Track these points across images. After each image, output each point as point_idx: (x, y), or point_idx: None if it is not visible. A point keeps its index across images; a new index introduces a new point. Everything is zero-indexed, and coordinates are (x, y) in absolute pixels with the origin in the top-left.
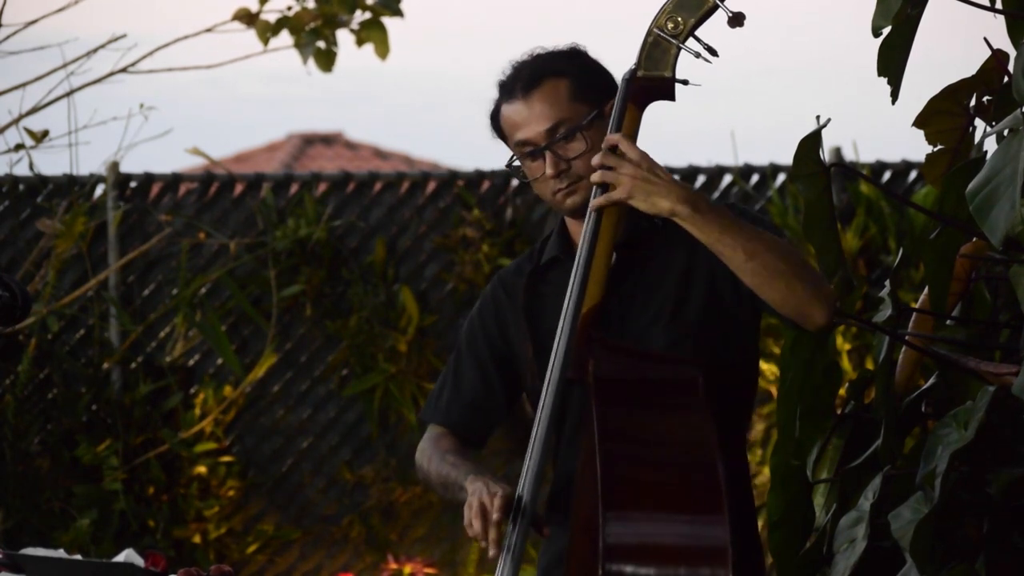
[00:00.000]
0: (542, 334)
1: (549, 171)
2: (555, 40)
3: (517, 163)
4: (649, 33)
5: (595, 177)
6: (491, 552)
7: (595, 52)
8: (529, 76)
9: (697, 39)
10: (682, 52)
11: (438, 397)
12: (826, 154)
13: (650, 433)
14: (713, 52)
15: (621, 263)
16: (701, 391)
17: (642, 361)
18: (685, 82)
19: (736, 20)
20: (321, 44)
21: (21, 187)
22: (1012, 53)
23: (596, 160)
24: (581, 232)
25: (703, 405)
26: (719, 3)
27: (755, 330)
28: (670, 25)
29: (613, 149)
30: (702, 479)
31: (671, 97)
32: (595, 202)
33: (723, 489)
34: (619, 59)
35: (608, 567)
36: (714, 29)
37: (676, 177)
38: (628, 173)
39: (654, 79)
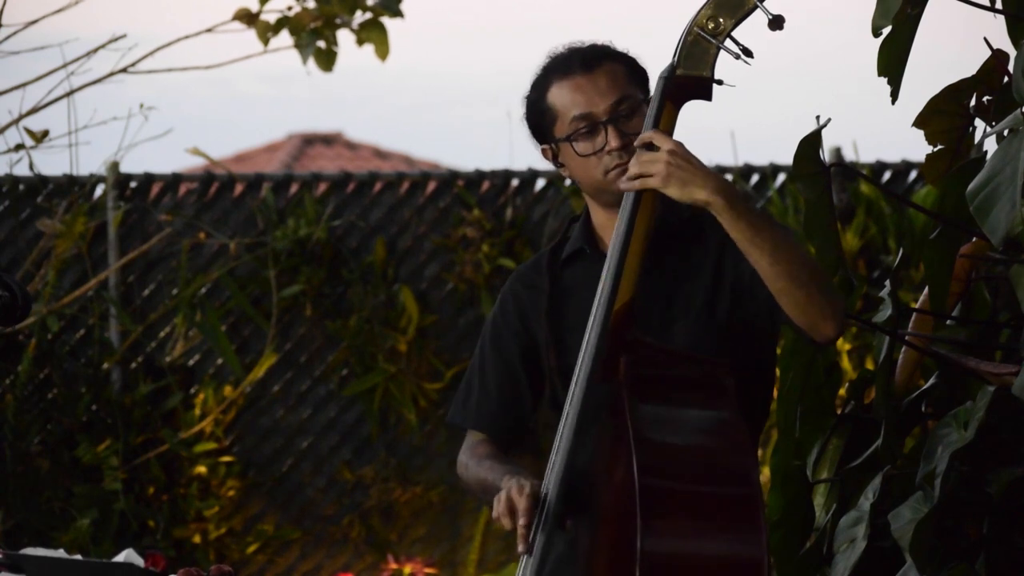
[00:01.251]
0: (564, 329)
1: (614, 143)
2: (555, 41)
3: (566, 140)
4: (689, 32)
5: (632, 168)
6: (519, 547)
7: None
8: (589, 55)
9: (735, 40)
10: (721, 52)
11: (466, 400)
12: (826, 154)
13: (685, 438)
14: (750, 54)
15: (647, 258)
16: (733, 395)
17: (675, 361)
18: (721, 82)
19: (776, 23)
20: (321, 44)
21: (21, 187)
22: (1012, 53)
23: (637, 148)
24: (609, 224)
25: (736, 409)
26: (759, 4)
27: (773, 335)
28: (711, 25)
29: (648, 146)
30: (739, 491)
31: (708, 97)
32: (630, 184)
33: (760, 501)
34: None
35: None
36: (746, 30)
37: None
38: (664, 160)
39: (693, 78)
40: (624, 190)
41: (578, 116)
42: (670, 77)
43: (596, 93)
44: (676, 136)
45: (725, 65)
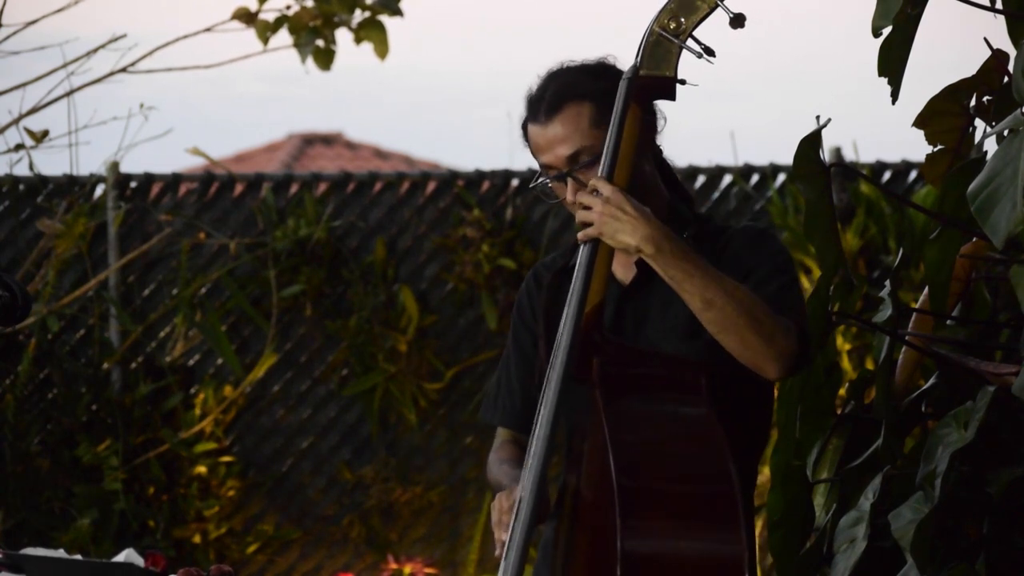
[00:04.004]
0: (557, 329)
1: (569, 197)
2: (555, 41)
3: (544, 180)
4: (651, 32)
5: (578, 216)
6: (496, 552)
7: (626, 62)
8: (552, 99)
9: (696, 40)
10: (683, 52)
11: (496, 395)
12: (826, 154)
13: (661, 436)
14: (711, 53)
15: (641, 273)
16: (706, 393)
17: (646, 361)
18: (684, 82)
19: (737, 21)
20: (320, 43)
21: (21, 187)
22: (1012, 53)
23: (578, 197)
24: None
25: (710, 407)
26: (719, 3)
27: None
28: (672, 24)
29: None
30: (717, 488)
31: (672, 96)
32: (580, 235)
33: (739, 498)
34: (630, 61)
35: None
36: (715, 29)
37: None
38: (598, 210)
39: (656, 78)
40: (580, 240)
41: (543, 164)
42: (633, 78)
43: (554, 145)
44: (668, 135)
45: (728, 63)
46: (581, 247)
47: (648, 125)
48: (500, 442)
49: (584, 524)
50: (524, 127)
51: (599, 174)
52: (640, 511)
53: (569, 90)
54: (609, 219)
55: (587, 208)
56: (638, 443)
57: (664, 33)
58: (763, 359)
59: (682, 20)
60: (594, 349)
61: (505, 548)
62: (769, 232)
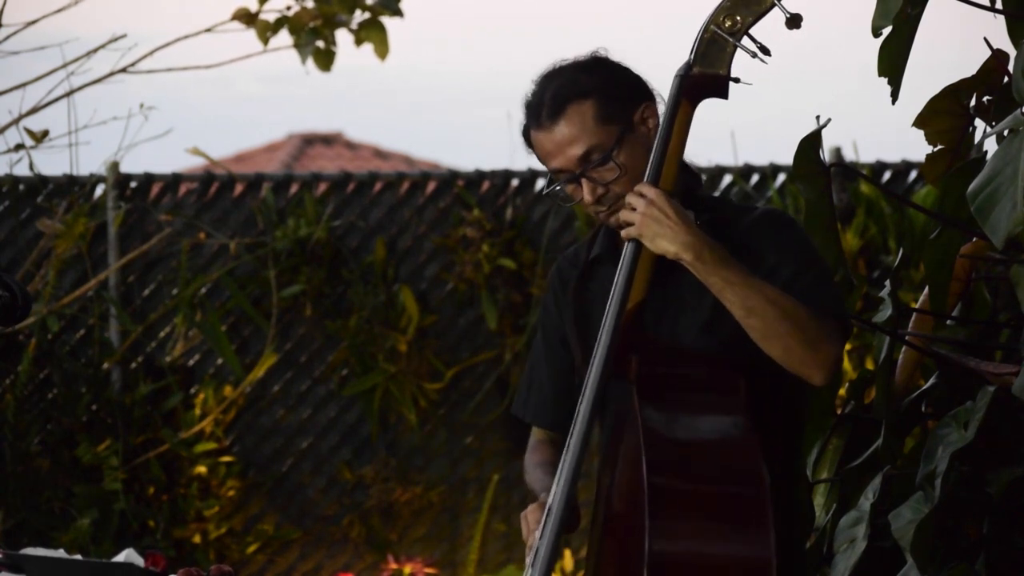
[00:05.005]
0: (590, 333)
1: (587, 198)
2: (555, 41)
3: (557, 186)
4: (705, 30)
5: (621, 215)
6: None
7: (618, 53)
8: (552, 102)
9: (752, 38)
10: (738, 51)
11: (527, 392)
12: (826, 154)
13: (695, 437)
14: (767, 52)
15: (665, 263)
16: (743, 395)
17: (686, 361)
18: (738, 80)
19: (793, 21)
20: (320, 44)
21: (21, 187)
22: (1012, 53)
23: (627, 198)
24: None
25: (745, 409)
26: (776, 2)
27: None
28: (727, 23)
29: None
30: (748, 491)
31: (724, 95)
32: (623, 233)
33: (769, 500)
34: (630, 61)
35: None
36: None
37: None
38: (642, 212)
39: (709, 76)
40: (624, 238)
41: (553, 169)
42: (686, 75)
43: (566, 145)
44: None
45: (741, 63)
46: (625, 245)
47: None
48: (535, 442)
49: (615, 524)
50: (526, 134)
51: (647, 171)
52: (669, 511)
53: (568, 90)
54: (652, 222)
55: (632, 208)
56: (672, 443)
57: (719, 31)
58: (808, 366)
59: (738, 19)
60: (634, 347)
61: (533, 554)
62: (789, 219)
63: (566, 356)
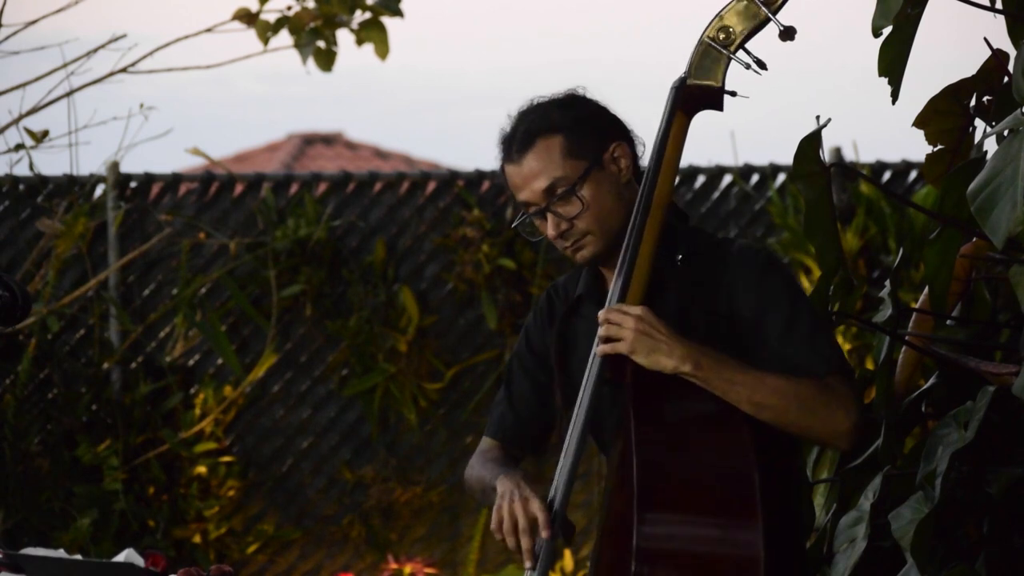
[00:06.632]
0: (571, 370)
1: (551, 232)
2: (555, 41)
3: (525, 218)
4: (700, 42)
5: (601, 330)
6: (526, 563)
7: (596, 92)
8: (523, 136)
9: (747, 51)
10: (732, 63)
11: (498, 411)
12: (826, 154)
13: (686, 437)
14: (762, 65)
15: (656, 278)
16: None
17: None
18: (733, 93)
19: (787, 34)
20: (321, 44)
21: (21, 187)
22: (1012, 53)
23: (602, 315)
24: (609, 267)
25: (738, 412)
26: (771, 16)
27: None
28: (722, 35)
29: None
30: (737, 486)
31: (719, 107)
32: (601, 349)
33: (758, 497)
34: (627, 62)
35: (640, 569)
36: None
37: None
38: (632, 328)
39: (704, 88)
40: (599, 355)
41: (521, 202)
42: (681, 87)
43: (531, 178)
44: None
45: (737, 74)
46: (592, 358)
47: (632, 153)
48: (484, 448)
49: (614, 524)
50: (502, 169)
51: (646, 170)
52: (658, 507)
53: (539, 125)
54: (644, 338)
55: (615, 324)
56: (662, 441)
57: (713, 43)
58: (828, 440)
59: (732, 31)
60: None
61: (534, 559)
62: (767, 260)
63: (544, 378)
